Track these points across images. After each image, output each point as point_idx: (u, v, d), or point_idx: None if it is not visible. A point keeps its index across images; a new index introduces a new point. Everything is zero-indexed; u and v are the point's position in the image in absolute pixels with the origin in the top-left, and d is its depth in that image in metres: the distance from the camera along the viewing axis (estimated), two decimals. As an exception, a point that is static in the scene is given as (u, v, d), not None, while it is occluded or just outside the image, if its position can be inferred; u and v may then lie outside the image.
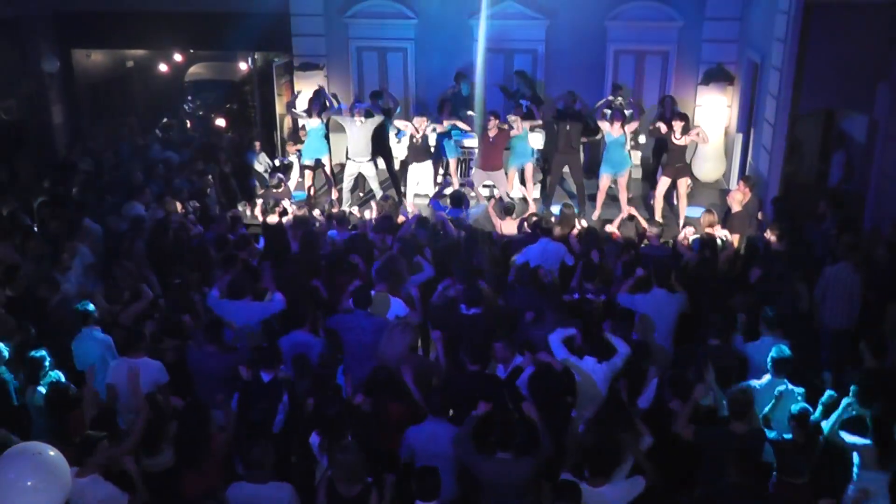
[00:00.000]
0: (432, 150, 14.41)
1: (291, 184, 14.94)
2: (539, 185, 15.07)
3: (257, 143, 17.15)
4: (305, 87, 16.36)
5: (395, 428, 7.10)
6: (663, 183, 13.65)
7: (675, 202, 13.85)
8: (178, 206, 12.48)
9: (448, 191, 13.05)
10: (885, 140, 11.75)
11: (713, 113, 16.22)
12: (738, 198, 11.77)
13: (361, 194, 15.21)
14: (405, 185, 14.71)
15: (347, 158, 14.45)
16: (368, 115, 14.08)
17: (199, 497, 6.18)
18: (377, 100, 15.17)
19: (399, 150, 14.97)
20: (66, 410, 7.27)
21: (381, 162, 14.84)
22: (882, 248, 10.08)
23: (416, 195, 14.42)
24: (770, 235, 10.62)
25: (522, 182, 14.55)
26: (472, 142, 14.81)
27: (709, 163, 16.22)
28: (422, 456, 6.74)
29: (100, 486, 6.11)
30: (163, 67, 22.01)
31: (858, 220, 11.84)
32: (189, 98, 23.30)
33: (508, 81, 16.72)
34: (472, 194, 13.67)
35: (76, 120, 19.28)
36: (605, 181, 13.80)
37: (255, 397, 7.46)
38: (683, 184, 13.55)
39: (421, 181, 14.25)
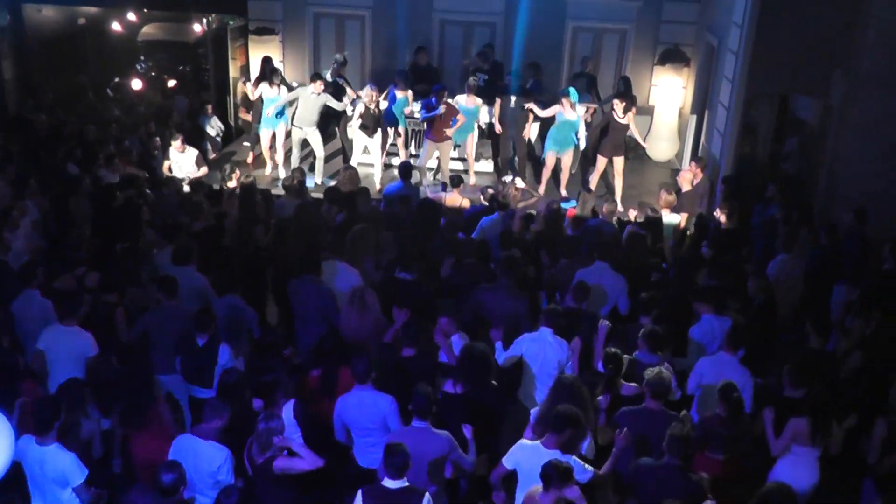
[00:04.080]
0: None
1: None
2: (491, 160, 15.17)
3: (209, 107, 16.95)
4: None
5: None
6: (600, 162, 13.72)
7: (612, 180, 13.90)
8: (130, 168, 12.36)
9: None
10: (838, 125, 11.93)
11: (668, 93, 16.33)
12: (688, 178, 11.94)
13: (312, 159, 15.05)
14: (352, 153, 14.69)
15: (293, 125, 14.28)
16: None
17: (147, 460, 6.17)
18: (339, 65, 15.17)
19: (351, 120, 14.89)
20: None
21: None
22: (825, 233, 10.24)
23: (361, 164, 14.27)
24: (720, 214, 10.76)
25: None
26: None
27: (662, 143, 16.37)
28: (356, 428, 6.74)
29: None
30: (116, 26, 21.56)
31: (809, 204, 12.04)
32: (142, 58, 22.84)
33: (466, 54, 16.73)
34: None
35: (27, 76, 18.86)
36: (550, 160, 13.82)
37: (189, 359, 7.56)
38: (619, 162, 13.62)
39: (371, 150, 14.19)
